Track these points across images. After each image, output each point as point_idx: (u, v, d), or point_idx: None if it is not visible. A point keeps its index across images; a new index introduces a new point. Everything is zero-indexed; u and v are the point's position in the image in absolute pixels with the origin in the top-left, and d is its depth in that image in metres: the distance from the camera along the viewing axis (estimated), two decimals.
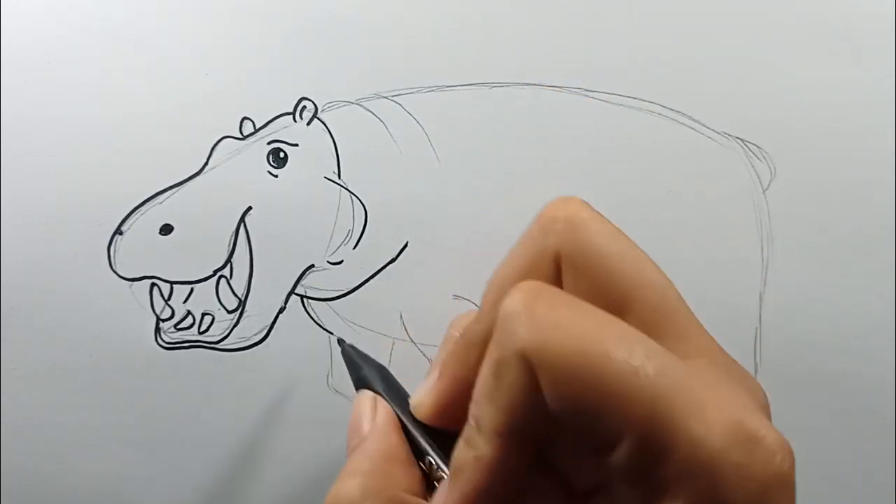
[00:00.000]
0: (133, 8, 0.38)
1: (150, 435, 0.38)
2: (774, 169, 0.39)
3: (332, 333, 0.38)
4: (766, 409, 0.23)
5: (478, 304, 0.38)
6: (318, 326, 0.38)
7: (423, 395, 0.26)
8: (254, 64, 0.38)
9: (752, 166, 0.39)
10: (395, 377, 0.30)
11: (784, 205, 0.39)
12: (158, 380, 0.38)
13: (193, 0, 0.38)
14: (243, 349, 0.38)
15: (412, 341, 0.38)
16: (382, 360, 0.38)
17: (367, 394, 0.29)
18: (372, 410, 0.28)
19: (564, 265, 0.24)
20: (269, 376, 0.38)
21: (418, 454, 0.26)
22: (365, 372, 0.30)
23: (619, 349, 0.20)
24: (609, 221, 0.24)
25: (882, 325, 0.39)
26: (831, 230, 0.39)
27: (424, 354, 0.38)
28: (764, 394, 0.23)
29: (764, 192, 0.39)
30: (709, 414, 0.19)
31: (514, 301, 0.21)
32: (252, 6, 0.38)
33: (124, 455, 0.38)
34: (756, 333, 0.38)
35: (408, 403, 0.27)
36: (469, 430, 0.22)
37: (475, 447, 0.22)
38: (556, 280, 0.24)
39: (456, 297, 0.38)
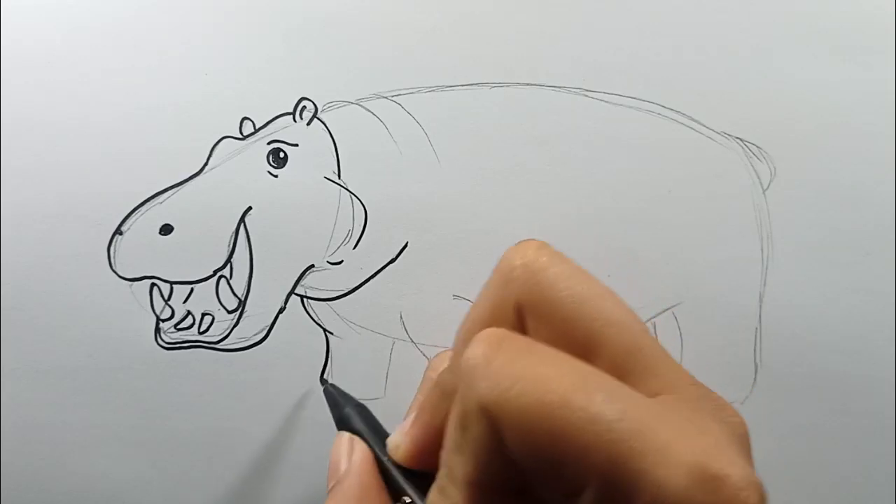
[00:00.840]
0: (133, 8, 0.38)
1: (150, 435, 0.38)
2: (774, 169, 0.39)
3: (332, 333, 0.38)
4: (742, 440, 0.22)
5: None
6: (318, 326, 0.38)
7: (399, 437, 0.27)
8: (254, 64, 0.38)
9: (752, 166, 0.39)
10: (375, 416, 0.31)
11: (784, 205, 0.39)
12: (158, 380, 0.38)
13: (193, 0, 0.38)
14: (243, 349, 0.38)
15: (412, 341, 0.38)
16: (382, 360, 0.38)
17: (344, 435, 0.30)
18: (349, 451, 0.29)
19: (527, 312, 0.24)
20: (269, 376, 0.38)
21: (395, 494, 0.27)
22: (347, 411, 0.31)
23: (578, 396, 0.19)
24: (569, 262, 0.24)
25: (882, 325, 0.39)
26: (831, 230, 0.39)
27: (424, 354, 0.38)
28: (742, 422, 0.23)
29: (764, 192, 0.39)
30: (671, 456, 0.19)
31: (473, 353, 0.21)
32: (252, 6, 0.38)
33: (124, 455, 0.38)
34: (756, 333, 0.38)
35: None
36: (442, 479, 0.22)
37: (448, 496, 0.22)
38: (520, 328, 0.24)
39: (456, 297, 0.38)
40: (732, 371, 0.38)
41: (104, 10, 0.38)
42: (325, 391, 0.35)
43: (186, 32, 0.38)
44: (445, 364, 0.26)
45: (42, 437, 0.38)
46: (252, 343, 0.38)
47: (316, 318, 0.38)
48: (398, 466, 0.27)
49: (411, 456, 0.26)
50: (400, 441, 0.27)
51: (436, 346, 0.38)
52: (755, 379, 0.38)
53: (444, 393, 0.25)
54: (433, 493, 0.23)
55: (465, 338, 0.25)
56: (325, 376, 0.38)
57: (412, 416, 0.27)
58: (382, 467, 0.28)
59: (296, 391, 0.38)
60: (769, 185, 0.39)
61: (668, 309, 0.38)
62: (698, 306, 0.38)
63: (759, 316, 0.38)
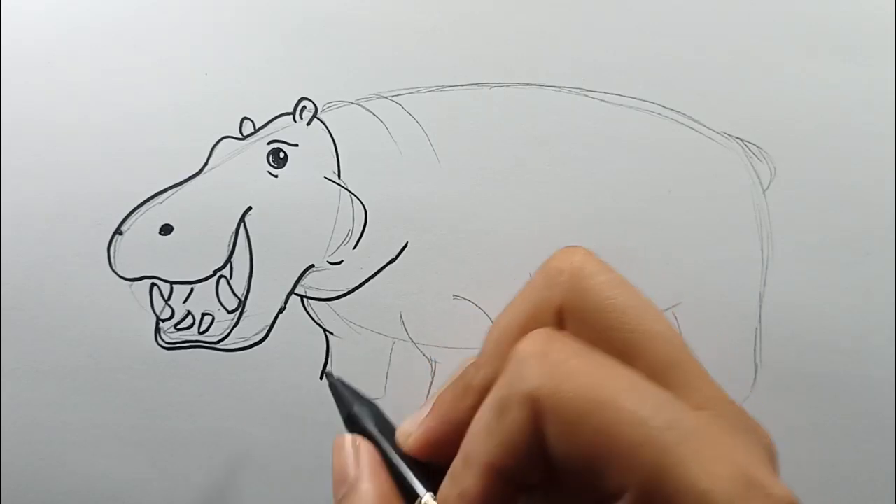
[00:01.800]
0: (133, 8, 0.38)
1: (150, 435, 0.38)
2: (774, 169, 0.39)
3: (332, 333, 0.38)
4: (773, 460, 0.23)
5: (477, 303, 0.38)
6: (318, 326, 0.38)
7: (410, 426, 0.26)
8: (254, 64, 0.38)
9: (752, 166, 0.39)
10: (385, 413, 0.29)
11: (784, 205, 0.39)
12: (158, 380, 0.38)
13: (193, 0, 0.38)
14: (243, 349, 0.38)
15: (412, 341, 0.38)
16: (382, 360, 0.38)
17: (346, 437, 0.27)
18: (355, 455, 0.27)
19: (568, 317, 0.24)
20: (269, 376, 0.38)
21: (408, 496, 0.25)
22: (356, 410, 0.29)
23: (630, 399, 0.20)
24: (614, 271, 0.25)
25: (882, 325, 0.39)
26: (831, 230, 0.39)
27: (424, 354, 0.38)
28: (772, 443, 0.23)
29: (764, 192, 0.39)
30: (716, 468, 0.19)
31: (530, 344, 0.22)
32: (252, 6, 0.38)
33: (124, 455, 0.38)
34: (756, 333, 0.38)
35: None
36: (456, 466, 0.22)
37: (460, 483, 0.22)
38: (559, 331, 0.25)
39: (456, 297, 0.38)
40: (732, 371, 0.38)
41: (104, 10, 0.38)
42: (331, 385, 0.32)
43: (186, 32, 0.38)
44: (469, 363, 0.26)
45: (42, 437, 0.38)
46: (252, 343, 0.38)
47: (316, 318, 0.38)
48: (407, 459, 0.26)
49: (421, 446, 0.26)
50: (412, 430, 0.26)
51: (436, 346, 0.38)
52: (755, 379, 0.38)
53: (467, 387, 0.25)
54: (444, 482, 0.23)
55: (501, 333, 0.25)
56: (324, 377, 0.38)
57: (427, 407, 0.26)
58: (392, 468, 0.26)
59: (296, 391, 0.38)
60: (769, 185, 0.39)
61: (668, 309, 0.38)
62: (698, 306, 0.38)
63: (759, 316, 0.38)
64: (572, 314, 0.24)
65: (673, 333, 0.24)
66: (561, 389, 0.20)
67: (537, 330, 0.23)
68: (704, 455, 0.19)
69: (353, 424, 0.29)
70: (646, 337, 0.23)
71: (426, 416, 0.26)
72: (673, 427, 0.19)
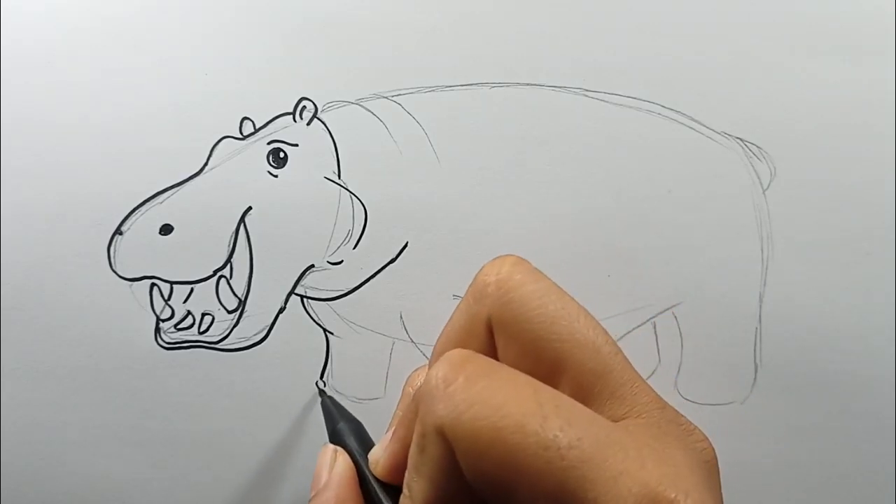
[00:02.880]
0: (133, 8, 0.38)
1: (150, 435, 0.38)
2: (774, 169, 0.39)
3: (332, 333, 0.38)
4: (707, 467, 0.22)
5: None
6: (318, 326, 0.38)
7: (379, 452, 0.27)
8: (254, 64, 0.38)
9: (752, 166, 0.39)
10: (368, 432, 0.32)
11: (784, 205, 0.39)
12: (158, 380, 0.38)
13: (193, 0, 0.38)
14: (243, 349, 0.38)
15: (412, 341, 0.38)
16: (382, 360, 0.38)
17: (329, 447, 0.30)
18: (331, 463, 0.29)
19: (496, 330, 0.24)
20: (269, 376, 0.38)
21: None
22: (340, 426, 0.32)
23: (533, 422, 0.19)
24: (544, 280, 0.24)
25: (882, 325, 0.39)
26: (831, 230, 0.39)
27: (424, 354, 0.38)
28: (709, 449, 0.23)
29: (764, 192, 0.39)
30: (623, 485, 0.19)
31: (435, 375, 0.21)
32: (252, 6, 0.38)
33: (124, 455, 0.38)
34: (756, 333, 0.38)
35: None
36: (404, 499, 0.23)
37: None
38: (491, 345, 0.24)
39: (456, 297, 0.38)
40: (732, 371, 0.38)
41: (104, 10, 0.38)
42: (322, 403, 0.35)
43: (186, 32, 0.38)
44: (421, 379, 0.26)
45: (42, 437, 0.38)
46: (252, 343, 0.38)
47: (316, 318, 0.38)
48: (380, 483, 0.27)
49: (389, 470, 0.26)
50: (380, 456, 0.27)
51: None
52: (755, 379, 0.38)
53: (417, 408, 0.25)
54: None
55: (437, 355, 0.25)
56: (323, 377, 0.38)
57: (391, 431, 0.27)
58: (366, 484, 0.28)
59: (296, 391, 0.38)
60: (769, 185, 0.39)
61: (668, 309, 0.38)
62: (698, 306, 0.38)
63: (759, 316, 0.38)
64: (500, 327, 0.24)
65: (604, 341, 0.23)
66: (462, 421, 0.20)
67: (447, 354, 0.22)
68: (611, 473, 0.19)
69: (336, 440, 0.31)
70: (575, 346, 0.23)
71: (389, 442, 0.26)
72: (578, 446, 0.19)
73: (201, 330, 0.38)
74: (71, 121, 0.37)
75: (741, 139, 0.39)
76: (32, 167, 0.37)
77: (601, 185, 0.38)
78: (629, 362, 0.24)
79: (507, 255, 0.25)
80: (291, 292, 0.38)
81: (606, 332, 0.24)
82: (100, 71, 0.38)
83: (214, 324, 0.38)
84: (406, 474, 0.23)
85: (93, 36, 0.38)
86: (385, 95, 0.38)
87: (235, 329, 0.38)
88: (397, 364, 0.38)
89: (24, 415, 0.38)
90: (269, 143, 0.38)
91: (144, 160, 0.38)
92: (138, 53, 0.38)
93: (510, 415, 0.20)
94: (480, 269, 0.25)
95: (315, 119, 0.38)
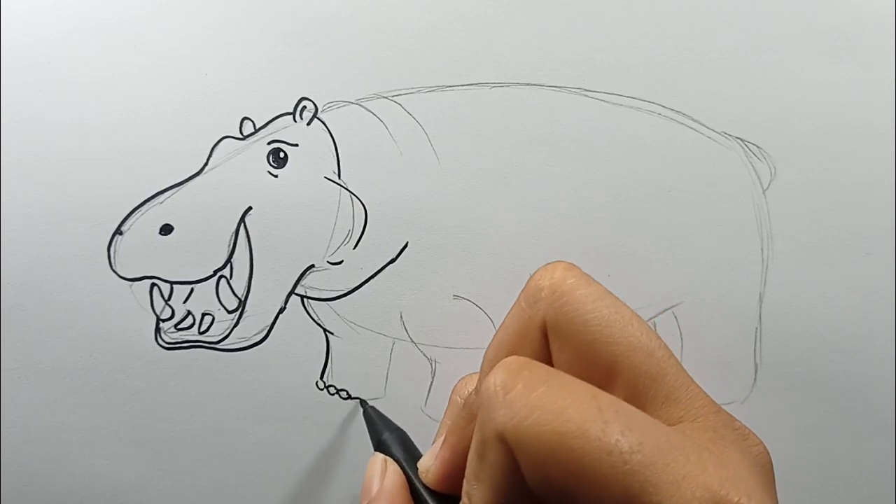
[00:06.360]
0: (132, 8, 0.38)
1: (150, 435, 0.38)
2: (774, 169, 0.39)
3: (332, 333, 0.38)
4: (764, 471, 0.22)
5: (477, 303, 0.38)
6: (318, 326, 0.38)
7: (429, 460, 0.27)
8: (254, 64, 0.38)
9: (752, 166, 0.39)
10: (413, 440, 0.32)
11: (784, 205, 0.39)
12: (158, 380, 0.38)
13: (193, 0, 0.38)
14: (243, 349, 0.38)
15: (412, 341, 0.38)
16: (382, 360, 0.38)
17: (378, 456, 0.30)
18: (382, 473, 0.29)
19: (551, 334, 0.24)
20: (269, 376, 0.38)
21: None
22: (385, 437, 0.32)
23: (595, 427, 0.20)
24: (596, 284, 0.24)
25: (882, 325, 0.39)
26: (831, 230, 0.39)
27: (424, 354, 0.38)
28: (765, 452, 0.23)
29: (764, 192, 0.39)
30: (685, 490, 0.19)
31: (493, 382, 0.21)
32: (252, 6, 0.38)
33: (124, 455, 0.38)
34: (756, 333, 0.38)
35: None
36: None
37: None
38: (545, 349, 0.25)
39: (456, 297, 0.38)
40: (732, 371, 0.38)
41: (104, 10, 0.38)
42: (364, 413, 0.35)
43: (186, 32, 0.38)
44: (471, 387, 0.27)
45: (42, 437, 0.38)
46: (252, 343, 0.38)
47: (316, 318, 0.38)
48: (430, 491, 0.27)
49: (440, 479, 0.26)
50: (430, 464, 0.27)
51: (436, 346, 0.38)
52: (755, 379, 0.38)
53: (470, 415, 0.25)
54: None
55: (490, 361, 0.25)
56: (324, 377, 0.38)
57: (441, 439, 0.27)
58: (417, 493, 0.28)
59: (296, 391, 0.38)
60: (769, 185, 0.39)
61: (668, 309, 0.38)
62: (698, 306, 0.38)
63: (759, 316, 0.38)
64: (555, 331, 0.24)
65: (657, 345, 0.23)
66: (523, 427, 0.20)
67: (503, 361, 0.22)
68: (674, 477, 0.19)
69: (383, 449, 0.31)
70: (629, 349, 0.23)
71: (440, 450, 0.27)
72: (640, 451, 0.19)
73: (201, 330, 0.38)
74: (71, 121, 0.37)
75: (741, 139, 0.39)
76: (32, 167, 0.37)
77: (601, 185, 0.38)
78: (682, 366, 0.24)
79: (558, 261, 0.25)
80: (291, 292, 0.38)
81: (658, 336, 0.24)
82: (100, 71, 0.38)
83: (214, 324, 0.38)
84: (465, 483, 0.23)
85: (93, 36, 0.38)
86: (385, 95, 0.38)
87: (235, 329, 0.38)
88: (397, 364, 0.38)
89: (24, 415, 0.38)
90: (269, 143, 0.38)
91: (144, 160, 0.38)
92: (138, 53, 0.38)
93: (571, 420, 0.20)
94: (532, 275, 0.25)
95: (315, 119, 0.38)
